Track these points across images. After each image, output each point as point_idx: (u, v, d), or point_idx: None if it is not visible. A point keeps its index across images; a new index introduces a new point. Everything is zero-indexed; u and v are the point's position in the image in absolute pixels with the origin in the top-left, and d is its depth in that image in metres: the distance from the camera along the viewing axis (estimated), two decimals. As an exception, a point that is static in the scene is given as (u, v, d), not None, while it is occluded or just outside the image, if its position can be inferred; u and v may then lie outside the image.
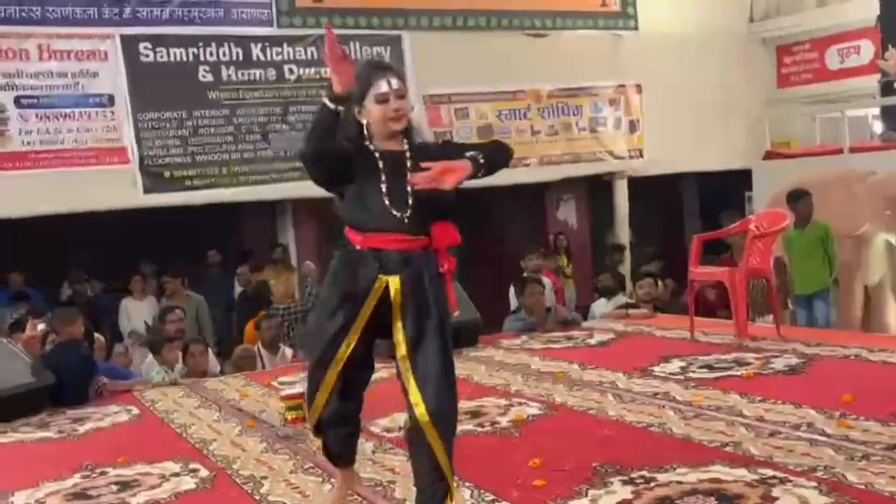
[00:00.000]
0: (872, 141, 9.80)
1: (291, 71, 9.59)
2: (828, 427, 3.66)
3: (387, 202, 2.76)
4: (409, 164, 2.80)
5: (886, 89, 9.14)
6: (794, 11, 11.85)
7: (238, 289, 9.60)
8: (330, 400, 2.93)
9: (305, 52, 9.64)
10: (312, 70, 9.66)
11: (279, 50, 9.53)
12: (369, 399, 4.99)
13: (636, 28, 11.23)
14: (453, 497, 2.78)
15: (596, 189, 11.86)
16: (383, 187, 2.77)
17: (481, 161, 2.77)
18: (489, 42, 10.51)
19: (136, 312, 8.52)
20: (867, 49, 10.94)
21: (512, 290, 8.05)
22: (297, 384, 5.37)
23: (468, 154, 2.79)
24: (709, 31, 11.50)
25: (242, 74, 9.37)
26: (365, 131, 2.83)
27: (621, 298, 8.80)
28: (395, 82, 2.79)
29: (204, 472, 3.87)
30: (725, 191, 11.01)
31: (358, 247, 2.81)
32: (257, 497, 3.48)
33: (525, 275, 8.22)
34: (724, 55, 11.62)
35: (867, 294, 7.90)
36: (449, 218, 2.88)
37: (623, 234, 11.57)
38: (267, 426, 4.59)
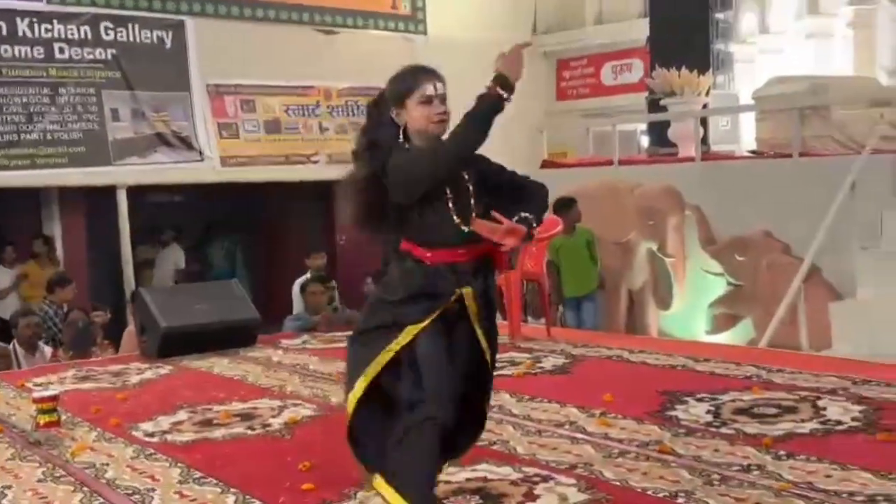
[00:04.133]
0: (640, 154, 10.44)
1: (62, 50, 8.95)
2: (588, 425, 3.82)
3: (456, 219, 2.68)
4: (466, 175, 2.73)
5: (653, 106, 9.76)
6: (573, 27, 12.44)
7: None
8: (366, 394, 2.69)
9: (78, 32, 9.03)
10: (85, 50, 9.07)
11: (49, 27, 8.87)
12: (133, 400, 4.76)
13: (425, 33, 11.39)
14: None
15: (383, 190, 11.91)
16: (450, 203, 2.68)
17: (533, 226, 2.72)
18: (279, 35, 10.30)
19: None
20: (638, 67, 11.67)
21: (295, 289, 7.93)
22: (53, 386, 5.01)
23: (524, 216, 2.70)
24: (494, 41, 11.66)
25: (6, 51, 8.65)
26: (401, 136, 2.73)
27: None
28: (440, 86, 2.75)
29: (-63, 484, 3.50)
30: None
31: (428, 262, 2.68)
32: (-2, 510, 3.19)
33: (308, 274, 8.11)
34: (508, 65, 12.00)
35: (631, 298, 8.40)
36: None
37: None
38: (16, 431, 4.22)
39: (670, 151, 9.23)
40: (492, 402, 3.22)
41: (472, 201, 2.70)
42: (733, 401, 4.11)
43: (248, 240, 12.02)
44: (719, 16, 9.98)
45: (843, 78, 8.97)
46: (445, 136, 2.69)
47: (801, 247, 7.06)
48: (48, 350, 6.55)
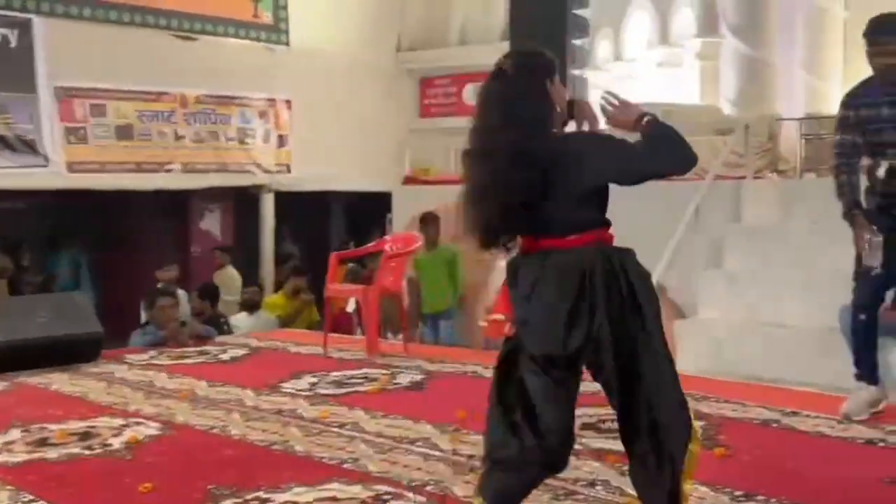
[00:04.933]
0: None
1: None
2: (441, 442, 3.82)
3: None
4: None
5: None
6: (437, 47, 12.56)
7: None
8: None
9: None
10: None
11: None
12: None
13: (288, 44, 11.26)
14: None
15: (242, 201, 11.67)
16: None
17: None
18: (135, 38, 9.96)
19: None
20: (500, 89, 11.88)
21: (143, 302, 7.64)
22: None
23: None
24: (358, 56, 11.84)
25: None
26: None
27: (263, 314, 8.73)
28: None
29: None
30: (371, 211, 11.35)
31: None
32: None
33: (158, 286, 7.84)
34: (372, 81, 12.02)
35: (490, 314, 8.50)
36: None
37: (268, 248, 11.50)
38: None
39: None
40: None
41: None
42: (581, 416, 4.19)
43: (96, 251, 11.52)
44: (576, 42, 10.30)
45: (689, 106, 9.40)
46: None
47: (648, 267, 7.32)
48: None
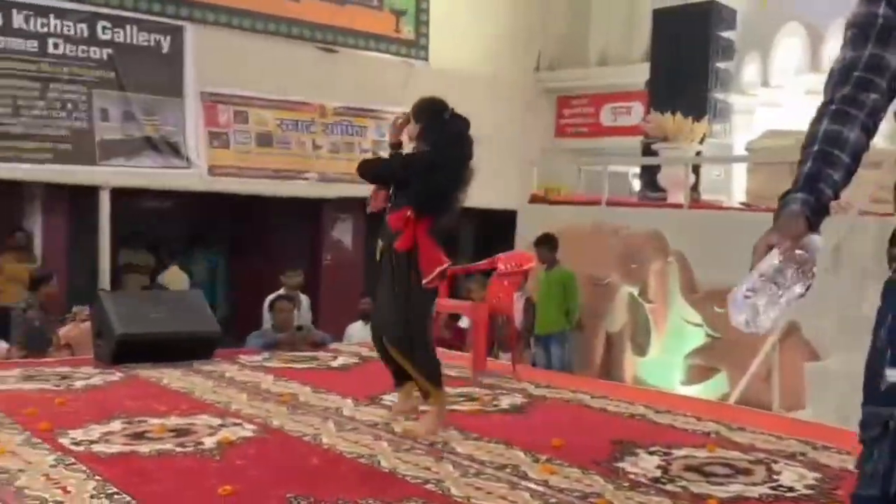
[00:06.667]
0: (630, 197, 10.33)
1: (56, 45, 8.88)
2: (531, 470, 3.66)
3: None
4: None
5: (646, 150, 9.66)
6: (576, 66, 12.39)
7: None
8: None
9: (75, 28, 8.97)
10: (80, 48, 9.00)
11: (45, 21, 8.82)
12: (71, 405, 4.58)
13: (427, 59, 11.34)
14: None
15: (373, 212, 11.80)
16: None
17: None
18: (278, 48, 10.25)
19: None
20: (637, 110, 11.59)
21: (266, 305, 7.80)
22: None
23: None
24: (496, 73, 11.80)
25: (-1, 42, 8.61)
26: None
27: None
28: None
29: None
30: (500, 228, 11.26)
31: None
32: None
33: (282, 291, 7.99)
34: (508, 98, 11.95)
35: (609, 341, 8.24)
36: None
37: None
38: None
39: (660, 196, 9.11)
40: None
41: None
42: (686, 457, 3.95)
43: (232, 254, 11.90)
44: (721, 65, 9.91)
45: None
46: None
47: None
48: (3, 346, 6.40)
